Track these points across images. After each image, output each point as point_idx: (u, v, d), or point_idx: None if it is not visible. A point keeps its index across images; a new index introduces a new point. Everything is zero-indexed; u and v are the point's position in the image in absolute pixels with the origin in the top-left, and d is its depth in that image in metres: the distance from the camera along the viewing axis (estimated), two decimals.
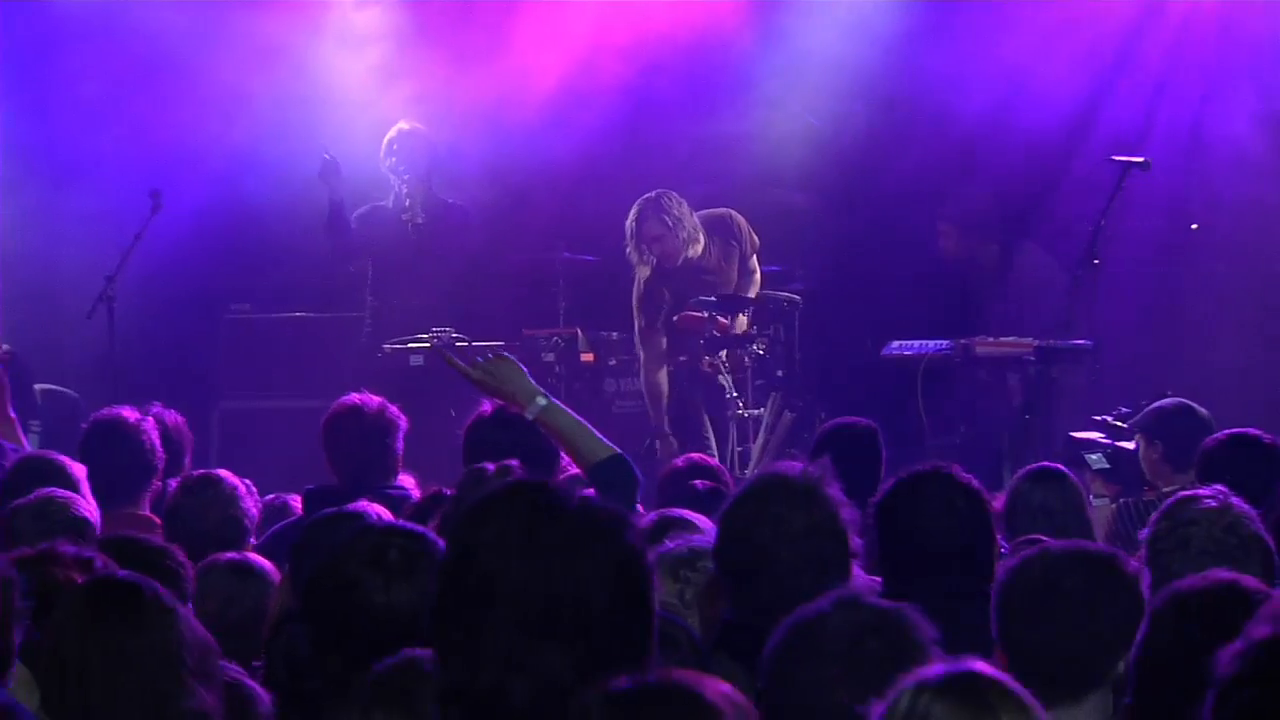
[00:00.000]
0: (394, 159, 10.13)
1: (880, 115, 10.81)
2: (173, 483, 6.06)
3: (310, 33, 10.72)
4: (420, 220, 10.14)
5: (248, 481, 5.89)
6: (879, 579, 4.49)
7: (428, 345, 9.91)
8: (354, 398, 6.62)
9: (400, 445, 6.48)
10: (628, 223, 9.92)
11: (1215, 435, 6.15)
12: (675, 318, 10.05)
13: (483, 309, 10.25)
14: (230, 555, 5.03)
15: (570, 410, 5.03)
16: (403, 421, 6.52)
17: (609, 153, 10.91)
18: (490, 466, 5.01)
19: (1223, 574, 3.08)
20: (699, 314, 10.04)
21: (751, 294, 10.09)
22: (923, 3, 10.76)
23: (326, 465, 6.58)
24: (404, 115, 10.39)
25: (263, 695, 3.70)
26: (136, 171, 10.41)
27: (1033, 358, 9.69)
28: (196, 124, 10.66)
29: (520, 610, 2.66)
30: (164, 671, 3.35)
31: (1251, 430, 6.13)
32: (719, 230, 10.05)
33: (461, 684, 2.67)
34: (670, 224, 9.80)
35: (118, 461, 6.46)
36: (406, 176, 10.12)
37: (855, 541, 4.18)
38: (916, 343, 9.90)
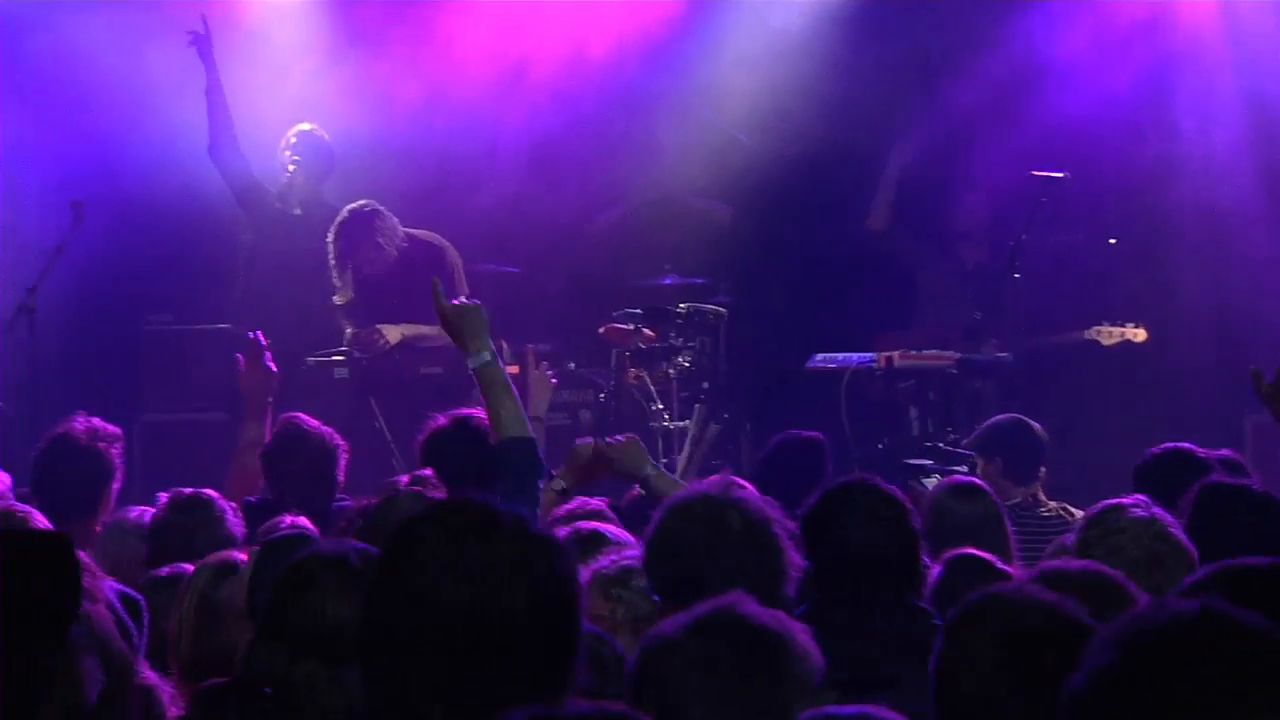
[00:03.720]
0: (289, 152, 10.03)
1: (808, 137, 10.86)
2: (162, 497, 5.96)
3: (231, 41, 10.58)
4: (298, 212, 10.04)
5: (233, 506, 5.82)
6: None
7: (344, 357, 9.88)
8: (295, 420, 6.59)
9: (341, 472, 6.48)
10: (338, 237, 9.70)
11: (1152, 449, 6.29)
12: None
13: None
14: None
15: (508, 379, 5.14)
16: (343, 446, 6.50)
17: (529, 164, 10.88)
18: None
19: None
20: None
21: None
22: (859, 30, 10.83)
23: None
24: (327, 122, 10.35)
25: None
26: (56, 183, 10.35)
27: (954, 370, 9.81)
28: (115, 134, 10.61)
29: (449, 635, 2.62)
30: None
31: (1185, 445, 6.29)
32: (420, 255, 9.79)
33: (387, 707, 2.64)
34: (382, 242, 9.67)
35: (75, 476, 6.47)
36: (294, 169, 10.01)
37: (790, 554, 4.19)
38: (840, 355, 9.93)
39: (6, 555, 2.66)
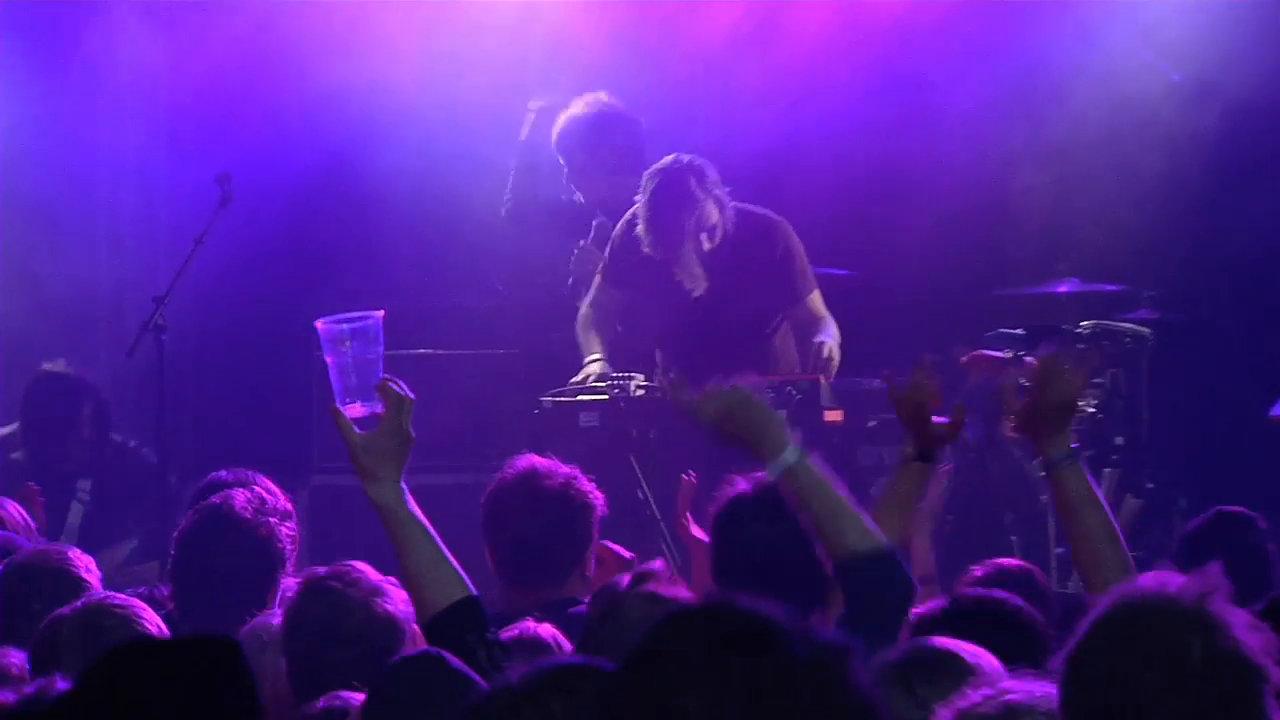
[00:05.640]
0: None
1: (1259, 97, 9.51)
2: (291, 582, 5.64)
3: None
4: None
5: (391, 580, 5.21)
6: None
7: (605, 397, 8.60)
8: (528, 463, 5.88)
9: (594, 536, 5.81)
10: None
11: None
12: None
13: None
14: None
15: (829, 475, 4.49)
16: (598, 500, 5.86)
17: (861, 137, 9.72)
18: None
19: None
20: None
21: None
22: None
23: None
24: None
25: None
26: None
27: None
28: (281, 115, 9.93)
29: None
30: None
31: None
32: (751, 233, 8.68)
33: None
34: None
35: (231, 565, 5.94)
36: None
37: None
38: None
39: (166, 669, 2.53)
